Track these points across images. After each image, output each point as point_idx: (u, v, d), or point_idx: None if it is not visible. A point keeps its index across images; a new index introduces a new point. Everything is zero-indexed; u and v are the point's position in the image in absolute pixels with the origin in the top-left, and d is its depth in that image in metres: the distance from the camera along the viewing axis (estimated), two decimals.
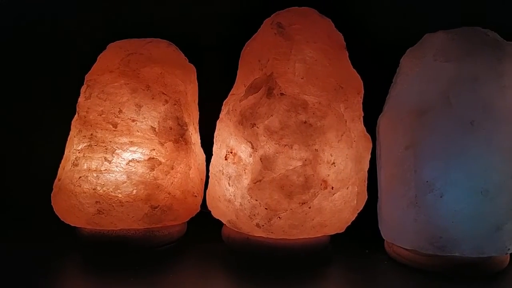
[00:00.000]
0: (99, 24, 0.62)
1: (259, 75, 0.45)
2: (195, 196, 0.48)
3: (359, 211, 0.47)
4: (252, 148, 0.42)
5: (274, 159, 0.41)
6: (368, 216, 0.49)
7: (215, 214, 0.47)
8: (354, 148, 0.44)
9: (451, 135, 0.43)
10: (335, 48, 0.46)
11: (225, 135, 0.45)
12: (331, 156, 0.42)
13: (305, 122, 0.41)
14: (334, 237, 0.49)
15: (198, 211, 0.50)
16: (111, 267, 0.44)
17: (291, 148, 0.41)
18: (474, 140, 0.42)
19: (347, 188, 0.44)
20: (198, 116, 0.52)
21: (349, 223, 0.46)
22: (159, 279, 0.42)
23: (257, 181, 0.41)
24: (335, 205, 0.43)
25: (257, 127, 0.42)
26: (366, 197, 0.47)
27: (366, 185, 0.47)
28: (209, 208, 0.48)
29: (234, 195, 0.43)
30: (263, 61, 0.45)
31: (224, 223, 0.46)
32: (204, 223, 0.51)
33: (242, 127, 0.43)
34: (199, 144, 0.51)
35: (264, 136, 0.41)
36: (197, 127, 0.51)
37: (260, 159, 0.41)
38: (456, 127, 0.43)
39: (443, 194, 0.43)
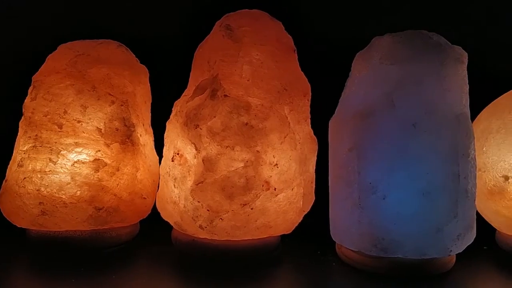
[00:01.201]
0: (52, 25, 0.61)
1: (208, 77, 0.45)
2: (144, 198, 0.48)
3: (305, 212, 0.47)
4: (196, 149, 0.42)
5: (216, 161, 0.41)
6: (324, 218, 0.49)
7: (164, 216, 0.47)
8: (298, 150, 0.44)
9: (394, 137, 0.43)
10: (283, 51, 0.47)
11: (173, 137, 0.45)
12: (274, 157, 0.42)
13: (246, 124, 0.41)
14: (287, 239, 0.49)
15: (149, 212, 0.50)
16: (56, 268, 0.44)
17: (233, 149, 0.41)
18: (416, 142, 0.43)
19: (292, 189, 0.44)
20: (149, 117, 0.52)
21: (296, 224, 0.47)
22: (101, 280, 0.41)
23: (199, 183, 0.41)
24: (279, 206, 0.43)
25: (200, 129, 0.42)
26: (314, 198, 0.48)
27: (313, 187, 0.48)
28: (158, 210, 0.48)
29: (179, 197, 0.43)
30: (211, 62, 0.45)
31: (172, 225, 0.46)
32: (158, 225, 0.51)
33: (187, 128, 0.43)
34: (151, 146, 0.51)
35: (207, 138, 0.41)
36: (149, 129, 0.51)
37: (203, 160, 0.41)
38: (399, 129, 0.43)
39: (385, 196, 0.43)
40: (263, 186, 0.42)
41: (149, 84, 0.52)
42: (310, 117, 0.47)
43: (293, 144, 0.44)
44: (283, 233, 0.46)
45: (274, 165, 0.42)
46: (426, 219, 0.42)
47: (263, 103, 0.42)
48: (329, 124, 0.50)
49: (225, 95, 0.42)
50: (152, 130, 0.52)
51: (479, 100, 0.53)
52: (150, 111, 0.52)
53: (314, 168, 0.47)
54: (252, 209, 0.42)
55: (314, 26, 0.60)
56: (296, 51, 0.48)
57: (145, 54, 0.56)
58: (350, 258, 0.47)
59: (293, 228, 0.47)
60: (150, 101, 0.52)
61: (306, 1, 0.60)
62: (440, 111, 0.43)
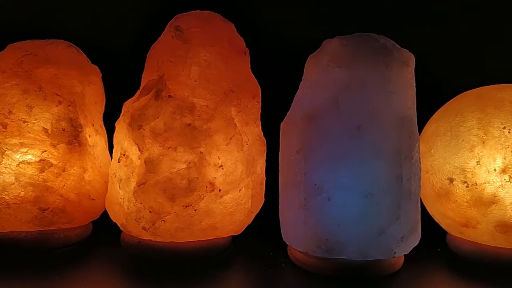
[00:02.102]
0: (4, 24, 0.61)
1: (155, 77, 0.45)
2: (93, 199, 0.47)
3: (254, 213, 0.47)
4: (139, 150, 0.42)
5: (158, 162, 0.41)
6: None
7: (112, 217, 0.47)
8: (246, 151, 0.44)
9: (339, 139, 0.43)
10: (234, 53, 0.47)
11: (121, 137, 0.45)
12: (219, 158, 0.42)
13: (189, 125, 0.41)
14: (244, 240, 0.49)
15: (100, 213, 0.50)
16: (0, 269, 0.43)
17: (175, 150, 0.41)
18: (360, 145, 0.43)
19: (239, 190, 0.44)
20: (101, 118, 0.51)
21: (245, 225, 0.47)
22: (45, 281, 0.41)
23: (141, 184, 0.41)
24: (226, 208, 0.43)
25: (143, 129, 0.42)
26: (263, 199, 0.48)
27: (263, 188, 0.48)
28: (107, 211, 0.47)
29: (123, 198, 0.43)
30: (160, 63, 0.45)
31: (119, 226, 0.46)
32: (112, 226, 0.51)
33: (131, 129, 0.43)
34: (103, 146, 0.51)
35: (149, 139, 0.41)
36: (101, 129, 0.51)
37: (145, 161, 0.41)
38: (344, 131, 0.43)
39: (330, 197, 0.43)
40: (207, 187, 0.41)
41: (101, 85, 0.51)
42: (260, 119, 0.47)
43: (240, 145, 0.44)
44: (230, 235, 0.46)
45: (219, 167, 0.42)
46: (369, 221, 0.42)
47: (208, 104, 0.42)
48: (281, 126, 0.50)
49: (170, 96, 0.42)
50: (105, 130, 0.52)
51: (437, 104, 0.54)
52: (102, 111, 0.52)
53: (264, 169, 0.47)
54: (195, 210, 0.41)
55: (269, 28, 0.61)
56: (248, 53, 0.48)
57: (102, 55, 0.56)
58: (298, 259, 0.47)
59: (242, 230, 0.47)
60: (104, 101, 0.52)
61: (264, 3, 0.60)
62: (384, 113, 0.43)
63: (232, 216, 0.44)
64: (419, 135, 0.50)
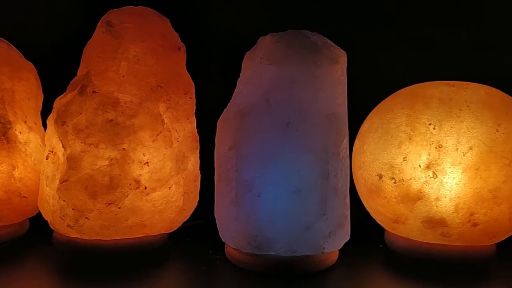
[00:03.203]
0: None
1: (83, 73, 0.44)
2: (24, 196, 0.47)
3: (188, 211, 0.47)
4: (63, 147, 0.41)
5: (79, 159, 0.40)
6: None
7: (43, 215, 0.46)
8: (175, 148, 0.44)
9: (269, 136, 0.43)
10: (166, 48, 0.46)
11: (50, 134, 0.44)
12: (144, 155, 0.42)
13: (111, 121, 0.41)
14: (184, 238, 0.49)
15: (34, 211, 0.49)
16: None
17: (97, 147, 0.40)
18: (289, 141, 0.43)
19: (169, 188, 0.44)
20: (36, 115, 0.50)
21: (178, 223, 0.46)
22: None
23: (63, 181, 0.40)
24: (154, 205, 0.43)
25: (66, 126, 0.41)
26: (198, 197, 0.48)
27: (197, 185, 0.47)
28: (39, 208, 0.47)
29: (49, 196, 0.42)
30: (89, 59, 0.45)
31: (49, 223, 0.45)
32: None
33: (56, 125, 0.42)
34: (38, 143, 0.50)
35: (72, 135, 0.41)
36: (36, 126, 0.50)
37: (67, 158, 0.41)
38: (274, 128, 0.43)
39: (260, 193, 0.43)
40: (130, 184, 0.41)
41: (36, 81, 0.50)
42: (194, 115, 0.47)
43: (169, 142, 0.43)
44: (162, 232, 0.46)
45: (145, 163, 0.42)
46: (296, 216, 0.43)
47: (132, 100, 0.42)
48: (217, 123, 0.50)
49: (94, 91, 0.41)
50: (42, 128, 0.51)
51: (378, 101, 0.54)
52: (38, 108, 0.51)
53: (197, 166, 0.47)
54: (120, 208, 0.41)
55: (211, 24, 0.61)
56: (183, 49, 0.48)
57: (42, 52, 0.55)
58: (232, 256, 0.47)
59: (175, 227, 0.47)
60: (40, 98, 0.51)
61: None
62: (313, 110, 0.43)
63: (161, 214, 0.44)
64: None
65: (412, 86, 0.47)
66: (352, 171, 0.50)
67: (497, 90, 0.45)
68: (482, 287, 0.44)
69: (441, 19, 0.63)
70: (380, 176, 0.45)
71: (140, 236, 0.44)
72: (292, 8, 0.60)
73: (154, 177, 0.42)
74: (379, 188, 0.45)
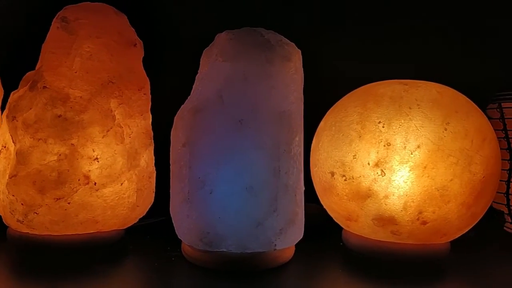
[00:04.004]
0: None
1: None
2: None
3: (142, 207, 0.47)
4: (13, 142, 0.41)
5: (28, 154, 0.40)
6: None
7: None
8: (127, 144, 0.44)
9: (222, 133, 0.43)
10: (121, 45, 0.46)
11: (4, 129, 0.44)
12: (94, 151, 0.42)
13: (60, 116, 0.41)
14: (147, 235, 0.49)
15: None
16: None
17: (46, 142, 0.40)
18: (242, 138, 0.43)
19: (121, 184, 0.44)
20: None
21: (132, 219, 0.46)
22: None
23: (12, 176, 0.40)
24: (106, 201, 0.43)
25: (16, 121, 0.41)
26: (153, 193, 0.48)
27: (152, 182, 0.47)
28: None
29: (1, 191, 0.42)
30: (43, 54, 0.45)
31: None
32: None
33: (8, 120, 0.42)
34: None
35: (21, 130, 0.41)
36: None
37: (16, 153, 0.41)
38: (227, 125, 0.43)
39: (212, 190, 0.43)
40: (79, 180, 0.41)
41: None
42: (150, 111, 0.47)
43: (120, 138, 0.43)
44: (115, 228, 0.46)
45: (94, 159, 0.42)
46: (247, 213, 0.43)
47: (82, 95, 0.42)
48: (174, 120, 0.50)
49: (44, 87, 0.41)
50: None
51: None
52: None
53: (152, 162, 0.47)
54: (69, 203, 0.41)
55: (179, 19, 0.61)
56: (139, 45, 0.48)
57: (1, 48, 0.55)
58: (187, 253, 0.47)
59: (130, 224, 0.47)
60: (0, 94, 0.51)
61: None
62: (265, 108, 0.43)
63: (114, 210, 0.44)
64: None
65: (368, 84, 0.48)
66: (310, 169, 0.50)
67: (450, 89, 0.45)
68: (435, 285, 0.44)
69: (407, 17, 0.63)
70: (332, 174, 0.45)
71: (92, 232, 0.44)
72: (255, 5, 0.60)
73: (104, 173, 0.42)
74: (332, 186, 0.45)
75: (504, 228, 0.54)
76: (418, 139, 0.41)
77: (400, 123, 0.41)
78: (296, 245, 0.49)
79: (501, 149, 0.50)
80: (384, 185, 0.42)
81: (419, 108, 0.42)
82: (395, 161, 0.41)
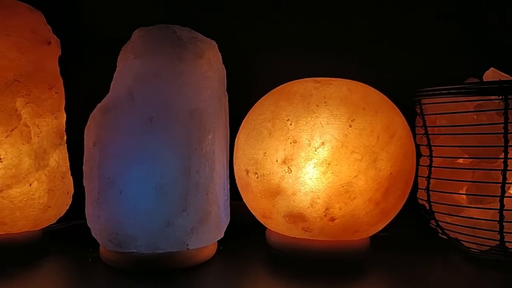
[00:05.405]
0: None
1: None
2: None
3: (55, 209, 0.46)
4: None
5: None
6: None
7: None
8: (35, 144, 0.43)
9: (133, 131, 0.43)
10: (34, 43, 0.45)
11: None
12: None
13: None
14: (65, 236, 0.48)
15: None
16: None
17: None
18: (152, 137, 0.42)
19: (30, 184, 0.43)
20: None
21: (44, 221, 0.46)
22: None
23: None
24: (13, 202, 0.42)
25: None
26: (68, 194, 0.47)
27: (66, 182, 0.47)
28: None
29: None
30: None
31: None
32: None
33: None
34: None
35: None
36: None
37: None
38: (138, 123, 0.43)
39: (122, 190, 0.42)
40: None
41: None
42: (62, 110, 0.46)
43: (26, 138, 0.42)
44: (26, 230, 0.45)
45: None
46: (157, 213, 0.42)
47: None
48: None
49: None
50: None
51: None
52: None
53: (65, 163, 0.47)
54: None
55: (98, 17, 0.60)
56: (54, 43, 0.47)
57: None
58: (102, 254, 0.46)
59: (42, 225, 0.46)
60: None
61: None
62: (175, 105, 0.43)
63: (22, 211, 0.43)
64: None
65: (286, 83, 0.48)
66: None
67: (364, 86, 0.46)
68: (353, 282, 0.45)
69: (342, 17, 0.64)
70: (247, 172, 0.45)
71: (0, 233, 0.43)
72: (183, 1, 0.60)
73: (9, 173, 0.41)
74: (247, 184, 0.45)
75: (430, 224, 0.55)
76: (323, 136, 0.41)
77: (307, 121, 0.42)
78: (221, 244, 0.49)
79: (421, 145, 0.51)
80: (291, 182, 0.42)
81: (326, 105, 0.42)
82: (301, 158, 0.41)
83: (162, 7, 0.62)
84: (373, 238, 0.49)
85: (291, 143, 0.42)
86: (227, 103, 0.49)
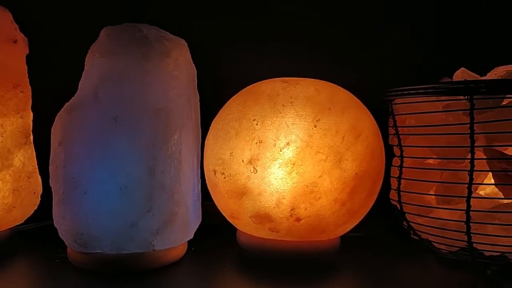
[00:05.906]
0: None
1: None
2: None
3: (20, 209, 0.46)
4: None
5: None
6: None
7: None
8: None
9: (98, 131, 0.42)
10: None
11: None
12: None
13: None
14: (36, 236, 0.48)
15: None
16: None
17: None
18: (117, 137, 0.42)
19: None
20: None
21: (10, 222, 0.45)
22: None
23: None
24: None
25: None
26: (36, 194, 0.47)
27: (32, 182, 0.46)
28: None
29: None
30: None
31: None
32: None
33: None
34: None
35: None
36: None
37: None
38: (102, 123, 0.42)
39: (87, 191, 0.42)
40: None
41: None
42: (29, 109, 0.46)
43: None
44: None
45: None
46: (122, 213, 0.42)
47: None
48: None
49: None
50: None
51: None
52: None
53: (32, 162, 0.46)
54: None
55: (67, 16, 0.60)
56: (21, 42, 0.47)
57: None
58: (69, 255, 0.46)
59: (7, 226, 0.46)
60: None
61: None
62: (141, 105, 0.43)
63: None
64: None
65: (256, 83, 0.47)
66: None
67: (332, 85, 0.45)
68: (323, 282, 0.45)
69: (316, 20, 0.64)
70: (215, 172, 0.45)
71: None
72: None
73: None
74: (215, 184, 0.45)
75: (402, 225, 0.55)
76: (288, 136, 0.41)
77: (272, 121, 0.41)
78: (192, 244, 0.48)
79: (392, 145, 0.51)
80: (257, 182, 0.41)
81: (292, 105, 0.42)
82: (267, 159, 0.41)
83: (135, 6, 0.62)
84: (344, 238, 0.49)
85: (257, 143, 0.41)
86: (198, 102, 0.49)
